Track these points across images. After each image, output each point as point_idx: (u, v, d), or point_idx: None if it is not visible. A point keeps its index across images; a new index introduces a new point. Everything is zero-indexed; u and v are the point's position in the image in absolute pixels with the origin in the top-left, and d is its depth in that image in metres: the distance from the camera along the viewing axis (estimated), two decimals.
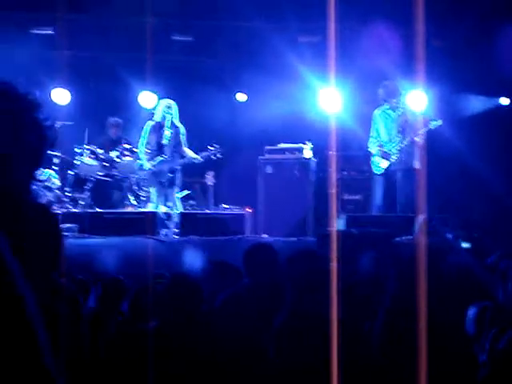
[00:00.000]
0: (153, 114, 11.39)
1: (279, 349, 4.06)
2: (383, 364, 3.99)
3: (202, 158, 10.98)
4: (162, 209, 11.07)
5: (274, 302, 4.37)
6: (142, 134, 11.16)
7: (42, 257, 1.83)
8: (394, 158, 10.99)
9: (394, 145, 11.02)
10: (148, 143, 11.13)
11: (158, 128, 11.07)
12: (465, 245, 9.40)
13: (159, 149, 11.08)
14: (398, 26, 10.86)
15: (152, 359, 4.13)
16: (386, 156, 11.01)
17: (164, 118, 11.03)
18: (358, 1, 10.89)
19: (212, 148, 10.98)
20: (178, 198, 11.20)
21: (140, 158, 11.25)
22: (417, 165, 10.80)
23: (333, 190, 10.99)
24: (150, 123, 11.17)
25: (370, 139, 11.14)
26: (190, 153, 11.08)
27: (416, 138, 10.84)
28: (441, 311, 4.05)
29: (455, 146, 11.86)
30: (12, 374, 1.44)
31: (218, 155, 11.00)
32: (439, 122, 10.83)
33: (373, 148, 11.11)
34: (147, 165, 11.08)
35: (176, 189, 11.13)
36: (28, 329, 1.49)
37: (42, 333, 1.51)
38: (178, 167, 11.10)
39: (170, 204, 11.06)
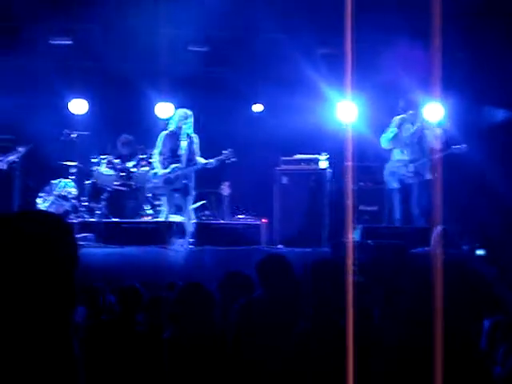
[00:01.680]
0: (168, 123, 11.43)
1: (299, 358, 4.06)
2: (398, 376, 3.99)
3: (215, 161, 10.96)
4: (177, 218, 11.10)
5: (290, 313, 4.37)
6: (157, 143, 11.19)
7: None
8: (403, 172, 11.04)
9: (403, 158, 11.09)
10: (163, 152, 11.16)
11: (173, 137, 11.10)
12: (479, 252, 9.39)
13: (174, 157, 11.11)
14: (416, 37, 10.86)
15: (167, 368, 4.15)
16: (391, 175, 11.12)
17: (180, 127, 11.06)
18: (376, 13, 10.90)
19: (226, 152, 10.99)
20: (192, 208, 11.22)
21: (154, 166, 11.28)
22: (428, 176, 10.87)
23: (349, 201, 11.00)
24: (165, 132, 11.21)
25: (384, 134, 11.21)
26: (203, 161, 11.10)
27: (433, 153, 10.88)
28: (457, 323, 4.04)
29: (473, 157, 11.84)
30: None
31: (232, 159, 10.99)
32: (463, 147, 10.88)
33: (387, 141, 11.19)
34: (161, 172, 11.10)
35: (191, 198, 11.15)
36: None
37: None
38: (192, 174, 11.12)
39: (184, 214, 11.09)
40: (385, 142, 11.26)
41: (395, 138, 11.17)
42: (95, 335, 4.88)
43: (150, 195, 11.72)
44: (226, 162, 11.01)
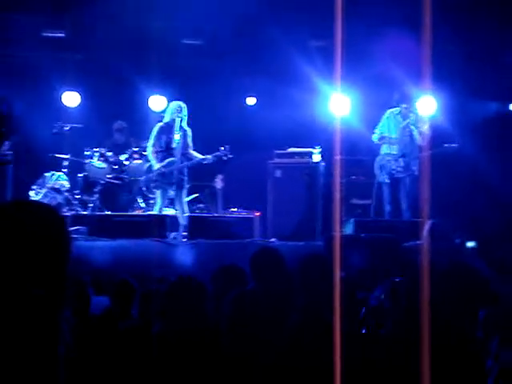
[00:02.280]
0: (162, 116, 11.41)
1: (291, 352, 4.06)
2: (389, 369, 3.99)
3: (212, 157, 10.95)
4: (170, 211, 11.09)
5: (282, 306, 4.37)
6: (151, 135, 11.17)
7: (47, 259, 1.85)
8: (394, 167, 11.07)
9: (394, 152, 11.12)
10: (157, 145, 11.14)
11: (167, 130, 11.08)
12: (470, 244, 9.40)
13: (168, 150, 11.09)
14: (408, 30, 10.86)
15: (157, 361, 4.14)
16: (381, 168, 11.13)
17: (173, 120, 11.04)
18: (368, 5, 10.90)
19: (222, 148, 10.98)
20: (186, 201, 11.21)
21: (149, 159, 11.26)
22: (417, 172, 10.93)
23: (337, 195, 11.01)
24: (159, 124, 11.19)
25: (374, 133, 11.24)
26: (196, 155, 11.09)
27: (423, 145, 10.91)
28: (450, 315, 4.05)
29: (466, 151, 11.86)
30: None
31: (229, 155, 10.98)
32: (454, 146, 10.91)
33: (376, 139, 11.23)
34: (157, 166, 11.08)
35: (184, 192, 11.15)
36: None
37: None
38: (186, 169, 11.11)
39: (177, 207, 11.08)
40: (376, 138, 11.32)
41: (382, 139, 11.23)
42: (85, 330, 4.87)
43: (144, 188, 11.70)
44: (223, 158, 11.00)
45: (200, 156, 11.05)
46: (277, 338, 4.17)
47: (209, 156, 10.98)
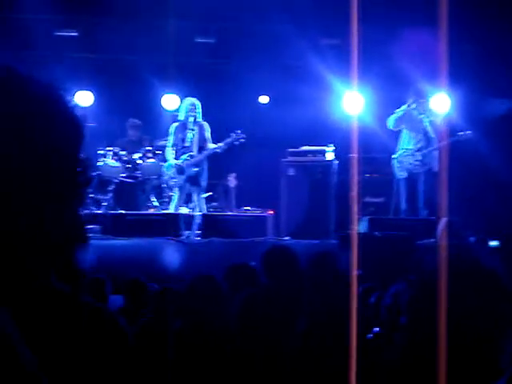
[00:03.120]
0: (176, 115, 11.43)
1: (302, 352, 4.04)
2: (403, 372, 3.97)
3: (224, 144, 10.93)
4: (184, 210, 11.09)
5: (293, 305, 4.34)
6: (169, 135, 11.20)
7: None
8: (411, 161, 11.04)
9: (410, 147, 11.10)
10: (174, 144, 11.16)
11: (182, 128, 11.10)
12: (493, 243, 9.32)
13: (184, 148, 11.10)
14: (421, 28, 10.82)
15: (173, 361, 4.13)
16: (399, 164, 11.12)
17: (187, 117, 11.04)
18: (383, 3, 10.87)
19: (233, 134, 10.95)
20: (202, 198, 11.21)
21: (167, 159, 11.26)
22: (435, 167, 10.87)
23: (354, 193, 10.96)
24: (174, 124, 11.21)
25: (391, 116, 11.22)
26: (212, 146, 11.07)
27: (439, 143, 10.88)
28: (465, 316, 4.01)
29: (480, 148, 11.81)
30: None
31: (241, 139, 10.95)
32: (468, 133, 10.88)
33: (392, 123, 11.20)
34: (173, 163, 11.08)
35: (201, 188, 11.14)
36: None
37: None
38: (205, 163, 11.07)
39: (192, 205, 11.08)
40: (392, 120, 11.24)
41: (404, 116, 11.16)
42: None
43: (164, 186, 11.68)
44: (235, 143, 10.96)
45: (214, 145, 11.03)
46: (286, 339, 4.15)
47: (221, 143, 10.96)
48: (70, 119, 1.50)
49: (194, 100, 11.13)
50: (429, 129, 11.10)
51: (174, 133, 11.13)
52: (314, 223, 11.40)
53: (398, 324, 4.10)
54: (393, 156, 11.33)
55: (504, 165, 12.20)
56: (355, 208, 8.90)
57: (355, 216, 9.79)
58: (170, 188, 11.57)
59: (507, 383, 3.67)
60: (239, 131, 10.93)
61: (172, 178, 11.17)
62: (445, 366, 3.42)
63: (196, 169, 11.01)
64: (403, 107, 11.25)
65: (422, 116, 11.12)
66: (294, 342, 4.08)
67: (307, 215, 11.44)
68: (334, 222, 11.50)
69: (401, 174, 11.21)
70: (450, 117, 11.34)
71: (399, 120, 11.23)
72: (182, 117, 11.12)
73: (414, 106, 11.18)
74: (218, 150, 10.99)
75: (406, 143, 11.25)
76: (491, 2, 11.46)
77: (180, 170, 11.04)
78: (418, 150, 11.14)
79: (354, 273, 4.52)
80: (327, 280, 4.14)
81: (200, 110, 11.07)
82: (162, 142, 11.92)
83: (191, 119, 11.02)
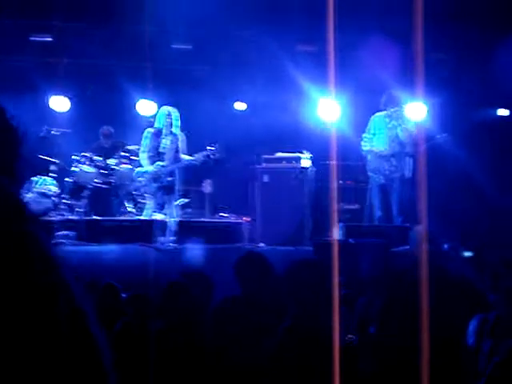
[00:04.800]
0: (151, 120, 11.42)
1: (279, 359, 4.04)
2: (381, 377, 3.99)
3: (201, 157, 10.92)
4: (159, 216, 11.06)
5: (269, 313, 4.34)
6: (142, 140, 11.15)
7: None
8: (387, 167, 11.11)
9: (384, 154, 11.16)
10: (148, 150, 11.12)
11: (158, 135, 11.07)
12: (467, 254, 9.40)
13: (158, 155, 11.07)
14: (397, 36, 10.89)
15: (147, 365, 4.13)
16: (375, 170, 11.17)
17: (163, 125, 11.03)
18: (357, 11, 10.91)
19: (210, 148, 10.95)
20: (176, 205, 11.19)
21: (141, 164, 11.23)
22: (408, 173, 10.97)
23: (333, 200, 10.99)
24: (150, 130, 11.17)
25: (364, 139, 11.26)
26: (187, 158, 11.08)
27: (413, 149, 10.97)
28: (439, 323, 4.04)
29: (454, 156, 11.90)
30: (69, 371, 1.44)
31: (218, 154, 10.96)
32: (444, 136, 10.99)
33: (367, 147, 11.25)
34: (148, 169, 11.05)
35: (174, 196, 11.12)
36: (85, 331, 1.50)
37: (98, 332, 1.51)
38: (177, 172, 11.08)
39: (166, 212, 11.06)
40: (364, 149, 11.34)
41: (370, 152, 11.26)
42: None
43: (135, 193, 11.67)
44: (211, 157, 10.97)
45: (190, 158, 11.03)
46: (260, 345, 4.15)
47: (198, 155, 10.95)
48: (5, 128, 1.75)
49: (171, 109, 11.10)
50: (400, 135, 11.16)
51: (149, 138, 11.10)
52: (288, 230, 11.42)
53: (367, 333, 4.13)
54: (364, 147, 11.33)
55: (479, 172, 12.29)
56: (334, 214, 8.91)
57: (333, 222, 9.84)
58: (142, 195, 11.54)
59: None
60: (216, 145, 10.92)
61: (144, 185, 11.14)
62: (421, 371, 3.44)
63: (170, 178, 10.98)
64: (370, 125, 11.31)
65: (394, 123, 11.18)
66: (274, 351, 4.08)
67: (282, 222, 11.47)
68: (310, 229, 11.53)
69: (377, 180, 11.26)
70: (424, 124, 11.41)
71: (371, 151, 11.29)
72: (158, 124, 11.10)
73: (383, 115, 11.25)
74: (194, 163, 10.99)
75: (381, 149, 11.29)
76: (464, 11, 11.55)
77: (154, 179, 11.01)
78: (392, 155, 11.20)
79: (335, 279, 4.53)
80: (306, 287, 4.14)
81: (176, 118, 11.04)
82: (134, 147, 11.87)
83: (167, 127, 11.00)
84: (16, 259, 1.46)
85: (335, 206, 10.81)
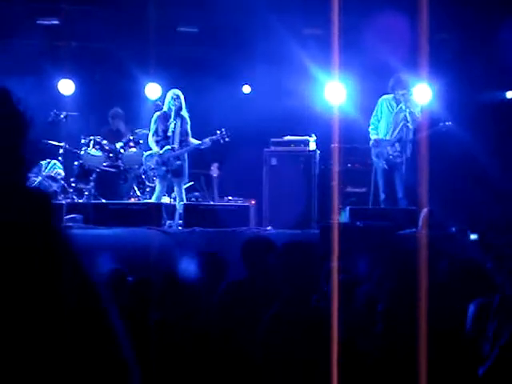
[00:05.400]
0: (159, 104, 11.44)
1: (267, 344, 4.05)
2: (382, 361, 3.99)
3: (209, 141, 10.98)
4: (166, 200, 11.09)
5: (268, 296, 4.35)
6: (151, 124, 11.19)
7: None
8: (391, 152, 11.09)
9: (388, 138, 11.14)
10: (156, 133, 11.16)
11: (164, 118, 11.10)
12: (473, 236, 9.39)
13: (166, 138, 11.10)
14: (403, 17, 10.84)
15: (153, 351, 4.14)
16: (378, 155, 11.17)
17: (170, 108, 11.05)
18: None
19: (219, 132, 11.00)
20: (184, 188, 11.22)
21: (150, 148, 11.26)
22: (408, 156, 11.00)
23: (334, 183, 11.01)
24: (157, 113, 11.20)
25: (371, 126, 11.25)
26: (195, 142, 11.12)
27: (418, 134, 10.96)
28: (444, 306, 4.05)
29: (461, 139, 11.87)
30: (92, 364, 1.49)
31: (226, 139, 11.00)
32: (449, 124, 10.96)
33: (374, 136, 11.25)
34: (157, 152, 11.08)
35: (183, 179, 11.16)
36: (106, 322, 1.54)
37: (119, 326, 1.55)
38: (186, 155, 11.12)
39: (174, 195, 11.08)
40: (371, 136, 11.33)
41: (376, 143, 11.25)
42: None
43: (143, 176, 11.69)
44: (221, 141, 11.01)
45: (198, 142, 11.08)
46: (254, 331, 4.15)
47: (206, 139, 11.00)
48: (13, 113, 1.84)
49: (178, 91, 11.12)
50: (408, 119, 11.12)
51: (156, 122, 11.13)
52: (296, 213, 11.42)
53: (375, 314, 4.13)
54: (371, 144, 11.35)
55: (485, 155, 12.26)
56: (335, 198, 8.91)
57: (335, 206, 9.84)
58: (150, 178, 11.57)
59: (491, 368, 3.71)
60: (224, 129, 10.96)
61: (152, 168, 11.19)
62: (425, 355, 3.45)
63: (179, 162, 11.02)
64: (377, 108, 11.29)
65: (402, 106, 11.14)
66: (263, 333, 4.08)
67: (289, 205, 11.46)
68: (317, 212, 11.53)
69: (380, 165, 11.25)
70: (430, 107, 11.37)
71: (377, 140, 11.28)
72: (165, 108, 11.13)
73: (391, 98, 11.21)
74: (202, 147, 11.03)
75: (384, 133, 11.27)
76: None
77: (162, 162, 11.04)
78: (398, 140, 11.18)
79: (335, 263, 4.54)
80: (299, 269, 4.14)
81: (183, 102, 11.07)
82: (142, 131, 11.90)
83: (174, 110, 11.02)
84: (45, 254, 1.52)
85: (336, 190, 10.85)
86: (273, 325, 4.03)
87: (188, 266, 4.96)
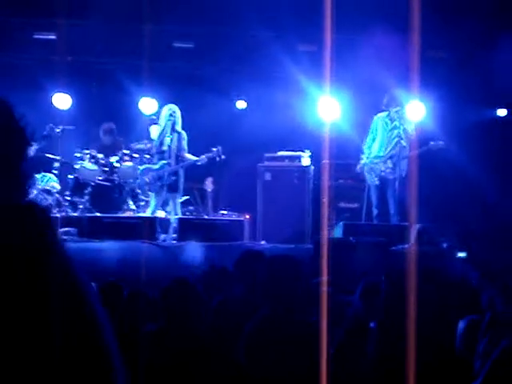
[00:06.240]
0: (153, 118, 11.54)
1: (248, 355, 4.08)
2: (375, 377, 4.03)
3: (205, 158, 11.07)
4: (161, 214, 11.13)
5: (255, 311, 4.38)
6: (152, 136, 11.37)
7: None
8: (383, 168, 11.15)
9: (381, 154, 11.21)
10: (152, 147, 11.27)
11: (160, 133, 11.20)
12: (461, 254, 9.44)
13: (162, 153, 11.18)
14: (396, 34, 10.93)
15: (147, 364, 4.17)
16: (370, 171, 11.23)
17: (166, 123, 11.14)
18: (356, 10, 10.96)
19: (215, 149, 11.08)
20: (178, 202, 11.28)
21: (147, 160, 11.40)
22: (403, 174, 11.05)
23: (324, 199, 11.06)
24: (154, 127, 11.31)
25: (365, 147, 11.33)
26: (191, 157, 11.20)
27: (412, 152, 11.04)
28: (435, 322, 4.09)
29: (453, 156, 11.93)
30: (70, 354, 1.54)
31: (222, 156, 11.08)
32: (440, 144, 11.01)
33: (364, 160, 11.32)
34: (152, 167, 11.19)
35: (178, 194, 11.23)
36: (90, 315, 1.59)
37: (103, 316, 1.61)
38: (182, 171, 11.20)
39: (168, 209, 11.13)
40: (364, 158, 11.40)
41: (367, 157, 11.32)
42: None
43: (138, 191, 11.74)
44: (216, 159, 11.10)
45: (194, 158, 11.16)
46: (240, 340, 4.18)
47: (203, 156, 11.09)
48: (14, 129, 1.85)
49: (174, 106, 11.22)
50: (402, 136, 11.19)
51: (155, 136, 11.32)
52: (290, 228, 11.47)
53: (366, 329, 4.16)
54: (361, 161, 11.41)
55: (479, 172, 12.33)
56: (326, 213, 8.95)
57: (325, 221, 9.89)
58: (145, 192, 11.62)
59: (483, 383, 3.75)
60: (220, 147, 11.06)
61: (148, 183, 11.25)
62: (415, 372, 3.49)
63: (174, 177, 11.11)
64: (373, 127, 11.37)
65: (396, 123, 11.22)
66: (245, 344, 4.10)
67: (283, 220, 11.51)
68: (311, 227, 11.58)
69: (372, 181, 11.32)
70: (423, 125, 11.45)
71: (372, 137, 11.36)
72: (161, 122, 11.22)
73: (385, 116, 11.29)
74: (198, 163, 11.13)
75: (378, 150, 11.34)
76: (466, 8, 11.58)
77: (158, 177, 11.12)
78: (390, 157, 11.25)
79: (324, 278, 4.58)
80: (282, 284, 4.18)
81: (179, 116, 11.16)
82: (139, 146, 11.95)
83: (169, 125, 11.11)
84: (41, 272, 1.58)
85: (326, 205, 10.89)
86: (252, 339, 4.06)
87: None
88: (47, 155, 11.83)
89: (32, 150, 11.12)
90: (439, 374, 4.02)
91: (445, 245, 9.60)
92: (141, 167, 11.44)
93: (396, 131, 11.20)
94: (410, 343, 3.57)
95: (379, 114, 11.36)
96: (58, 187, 11.70)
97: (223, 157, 11.09)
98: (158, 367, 4.25)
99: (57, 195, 11.65)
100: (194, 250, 9.82)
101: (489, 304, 4.93)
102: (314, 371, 3.77)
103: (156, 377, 4.22)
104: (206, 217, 12.01)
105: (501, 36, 11.56)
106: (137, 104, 12.70)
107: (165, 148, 11.14)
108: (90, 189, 11.66)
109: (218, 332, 4.47)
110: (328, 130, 11.17)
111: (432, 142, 11.08)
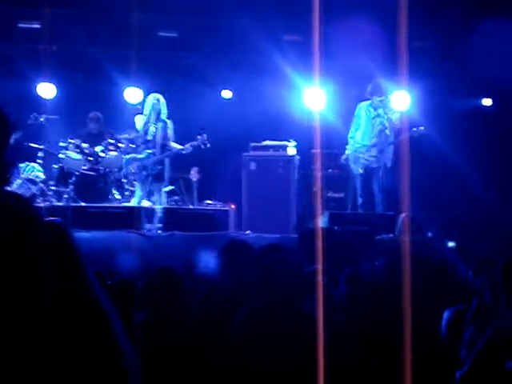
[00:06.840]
0: (138, 108, 11.49)
1: (236, 346, 4.09)
2: (364, 365, 4.05)
3: (190, 146, 11.02)
4: (146, 203, 11.11)
5: (242, 300, 4.38)
6: (136, 126, 11.31)
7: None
8: (366, 157, 11.17)
9: (365, 143, 11.23)
10: (138, 137, 11.23)
11: (146, 122, 11.16)
12: (450, 244, 9.49)
13: (147, 142, 11.15)
14: (381, 25, 10.94)
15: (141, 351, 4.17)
16: (355, 161, 11.25)
17: (151, 112, 11.10)
18: (341, 1, 10.97)
19: (199, 137, 11.04)
20: (164, 192, 11.25)
21: (129, 151, 11.34)
22: (390, 163, 11.05)
23: (316, 189, 11.07)
24: (139, 117, 11.27)
25: (349, 138, 11.35)
26: (176, 146, 11.16)
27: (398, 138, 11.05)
28: (420, 312, 4.11)
29: (438, 145, 11.97)
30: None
31: (207, 143, 11.04)
32: (422, 129, 11.04)
33: (349, 150, 11.33)
34: (137, 156, 11.15)
35: (163, 183, 11.20)
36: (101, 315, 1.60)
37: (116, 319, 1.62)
38: (167, 160, 11.17)
39: (154, 199, 11.11)
40: (349, 149, 11.42)
41: (351, 148, 11.34)
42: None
43: (124, 180, 11.71)
44: (201, 146, 11.05)
45: (179, 146, 11.12)
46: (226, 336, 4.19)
47: (187, 145, 11.04)
48: None
49: (159, 95, 11.18)
50: (386, 125, 11.21)
51: (139, 125, 11.25)
52: (275, 218, 11.48)
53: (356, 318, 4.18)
54: (346, 151, 11.42)
55: (463, 160, 12.38)
56: (318, 203, 8.96)
57: (318, 210, 9.90)
58: (130, 182, 11.59)
59: (468, 373, 3.77)
60: (204, 135, 11.00)
61: (133, 172, 11.23)
62: (410, 364, 3.51)
63: (159, 166, 11.08)
64: (356, 117, 11.38)
65: (380, 112, 11.23)
66: (233, 335, 4.11)
67: (269, 210, 11.52)
68: (295, 217, 11.59)
69: (357, 170, 11.34)
70: (408, 114, 11.47)
71: (356, 127, 11.38)
72: (146, 111, 11.17)
73: (368, 104, 11.30)
74: (183, 152, 11.07)
75: (361, 138, 11.36)
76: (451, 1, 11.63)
77: (143, 167, 11.09)
78: (374, 145, 11.27)
79: (319, 266, 4.58)
80: (274, 273, 4.19)
81: (164, 106, 11.12)
82: (124, 135, 11.91)
83: (154, 114, 11.07)
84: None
85: (318, 195, 10.93)
86: (245, 329, 4.07)
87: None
88: (31, 144, 11.78)
89: (12, 138, 11.04)
90: (425, 360, 4.04)
91: (430, 234, 9.64)
92: (126, 157, 11.41)
93: (379, 119, 11.22)
94: (397, 330, 3.59)
95: (362, 103, 11.37)
96: (43, 177, 11.64)
97: (208, 145, 11.04)
98: (145, 356, 4.25)
99: (41, 185, 11.59)
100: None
101: (476, 293, 4.95)
102: (309, 361, 3.78)
103: (143, 366, 4.21)
104: (191, 206, 12.00)
105: (484, 25, 11.59)
106: (122, 94, 12.66)
107: (149, 137, 11.11)
108: (74, 178, 11.61)
109: (205, 321, 4.47)
110: (315, 119, 11.18)
111: (414, 129, 11.11)
